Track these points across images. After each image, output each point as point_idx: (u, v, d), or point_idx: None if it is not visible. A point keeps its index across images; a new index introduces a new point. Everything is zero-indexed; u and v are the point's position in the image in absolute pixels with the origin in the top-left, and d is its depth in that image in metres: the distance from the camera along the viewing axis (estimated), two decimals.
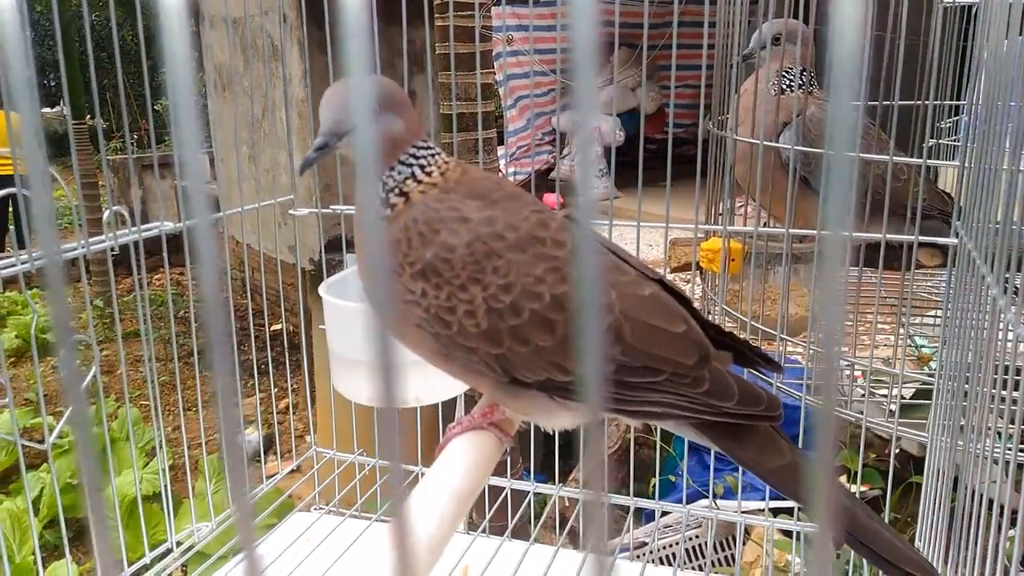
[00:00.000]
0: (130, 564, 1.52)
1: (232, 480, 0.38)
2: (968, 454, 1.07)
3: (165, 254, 1.69)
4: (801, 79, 1.80)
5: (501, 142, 7.55)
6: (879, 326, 1.86)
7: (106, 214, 1.34)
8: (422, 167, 1.03)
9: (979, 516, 1.06)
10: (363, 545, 1.51)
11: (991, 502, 1.05)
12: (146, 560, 1.54)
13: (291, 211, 1.72)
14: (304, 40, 1.79)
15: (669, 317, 1.00)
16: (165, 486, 1.70)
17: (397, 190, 1.02)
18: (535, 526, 1.66)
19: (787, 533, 2.01)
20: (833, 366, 0.33)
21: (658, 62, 7.69)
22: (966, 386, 1.09)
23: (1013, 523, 1.03)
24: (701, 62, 1.63)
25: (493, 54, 7.00)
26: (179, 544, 1.61)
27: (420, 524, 0.88)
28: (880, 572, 1.03)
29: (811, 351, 1.68)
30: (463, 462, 1.00)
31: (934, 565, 1.11)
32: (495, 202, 1.02)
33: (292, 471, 2.14)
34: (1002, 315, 0.85)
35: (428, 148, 1.05)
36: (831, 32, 0.29)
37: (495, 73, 7.22)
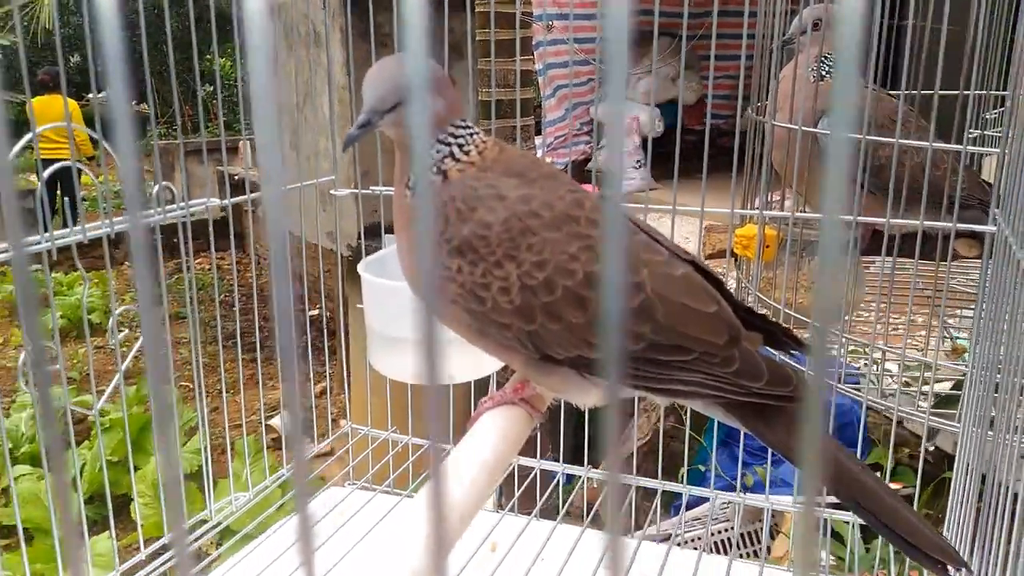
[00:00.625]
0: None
1: (290, 446, 0.40)
2: (996, 447, 1.07)
3: (210, 236, 1.73)
4: None
5: (539, 132, 7.54)
6: (913, 318, 1.84)
7: (155, 188, 1.38)
8: (460, 146, 1.05)
9: (1005, 510, 1.05)
10: (395, 519, 1.54)
11: (1016, 496, 1.04)
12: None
13: (332, 191, 1.75)
14: (347, 27, 1.82)
15: (700, 297, 1.01)
16: (206, 459, 1.76)
17: (435, 168, 1.03)
18: (563, 508, 1.68)
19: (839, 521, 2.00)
20: (825, 341, 0.34)
21: (698, 52, 7.62)
22: (998, 377, 1.08)
23: None
24: (741, 52, 1.62)
25: (533, 43, 6.99)
26: (210, 519, 1.66)
27: (450, 493, 0.90)
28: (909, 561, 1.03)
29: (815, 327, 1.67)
30: (493, 435, 1.03)
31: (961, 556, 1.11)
32: (532, 181, 1.03)
33: (324, 453, 2.19)
34: None
35: (467, 127, 1.06)
36: (836, 14, 0.30)
37: (534, 61, 7.21)
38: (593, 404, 1.10)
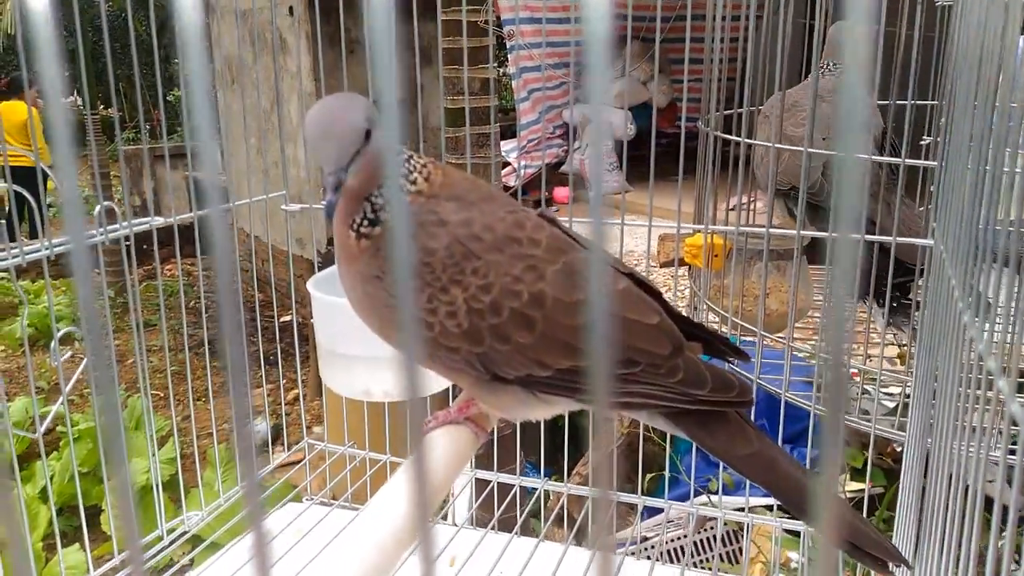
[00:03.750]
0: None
1: (242, 465, 0.38)
2: (933, 453, 1.09)
3: (176, 243, 1.72)
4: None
5: (513, 135, 7.55)
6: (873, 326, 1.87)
7: (97, 209, 1.37)
8: (406, 176, 1.04)
9: (945, 511, 1.08)
10: (348, 534, 1.54)
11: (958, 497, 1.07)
12: (159, 533, 1.58)
13: (283, 207, 1.75)
14: (316, 33, 1.81)
15: (643, 309, 1.03)
16: (170, 475, 1.74)
17: (387, 207, 1.01)
18: (544, 523, 1.69)
19: (790, 530, 2.03)
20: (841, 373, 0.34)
21: (669, 56, 7.66)
22: (935, 385, 1.10)
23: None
24: (713, 56, 1.63)
25: (508, 47, 7.00)
26: (172, 531, 1.65)
27: (388, 516, 0.90)
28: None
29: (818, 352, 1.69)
30: (437, 456, 1.03)
31: (903, 554, 1.13)
32: (472, 204, 1.04)
33: (294, 461, 2.18)
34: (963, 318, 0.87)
35: (407, 155, 1.06)
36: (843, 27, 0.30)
37: (509, 66, 7.22)
38: (539, 418, 1.11)
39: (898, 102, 1.62)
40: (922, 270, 1.52)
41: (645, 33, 7.25)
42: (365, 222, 1.02)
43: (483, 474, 1.83)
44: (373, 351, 1.36)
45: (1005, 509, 1.06)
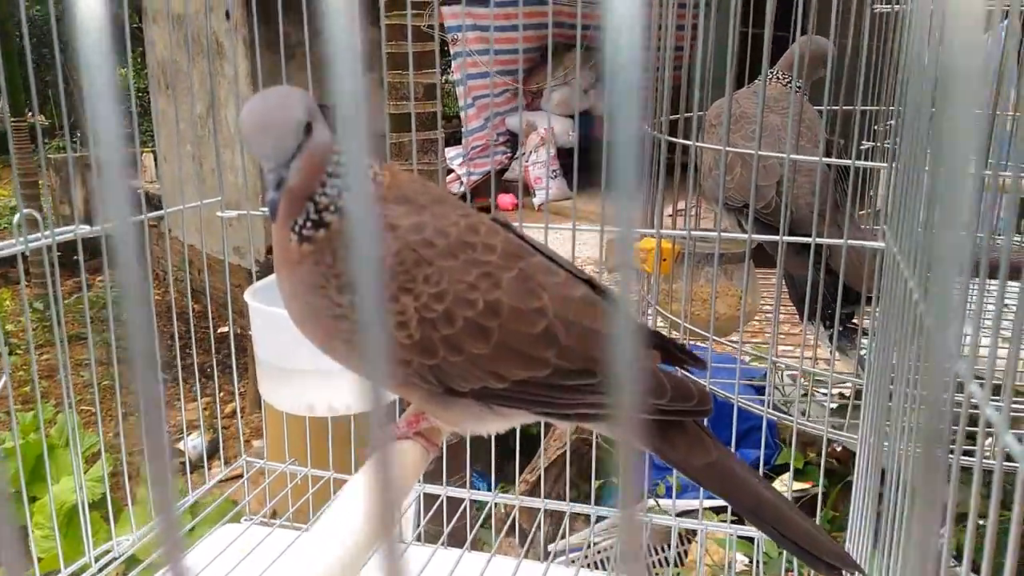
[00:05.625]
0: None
1: (156, 492, 0.34)
2: (890, 454, 1.09)
3: (103, 254, 1.63)
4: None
5: (457, 142, 7.52)
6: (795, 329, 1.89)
7: (16, 217, 1.29)
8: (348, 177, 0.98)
9: (898, 512, 1.08)
10: (292, 556, 1.48)
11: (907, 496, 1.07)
12: (87, 559, 1.50)
13: (218, 213, 1.68)
14: (255, 38, 1.75)
15: (601, 318, 0.99)
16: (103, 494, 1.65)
17: (332, 207, 0.95)
18: (471, 534, 1.65)
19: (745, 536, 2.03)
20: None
21: None
22: (890, 387, 1.10)
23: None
24: (661, 64, 1.64)
25: (452, 53, 6.96)
26: (107, 554, 1.57)
27: (337, 537, 0.86)
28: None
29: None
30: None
31: (858, 562, 1.13)
32: (423, 207, 0.99)
33: (233, 477, 2.10)
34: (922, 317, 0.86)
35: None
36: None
37: (452, 72, 7.18)
38: (493, 432, 1.07)
39: (845, 107, 1.64)
40: (868, 298, 1.54)
41: (590, 42, 7.30)
42: (308, 224, 0.96)
43: (432, 488, 1.78)
44: (317, 364, 1.30)
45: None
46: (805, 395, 1.79)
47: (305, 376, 1.35)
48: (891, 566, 1.07)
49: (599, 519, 1.66)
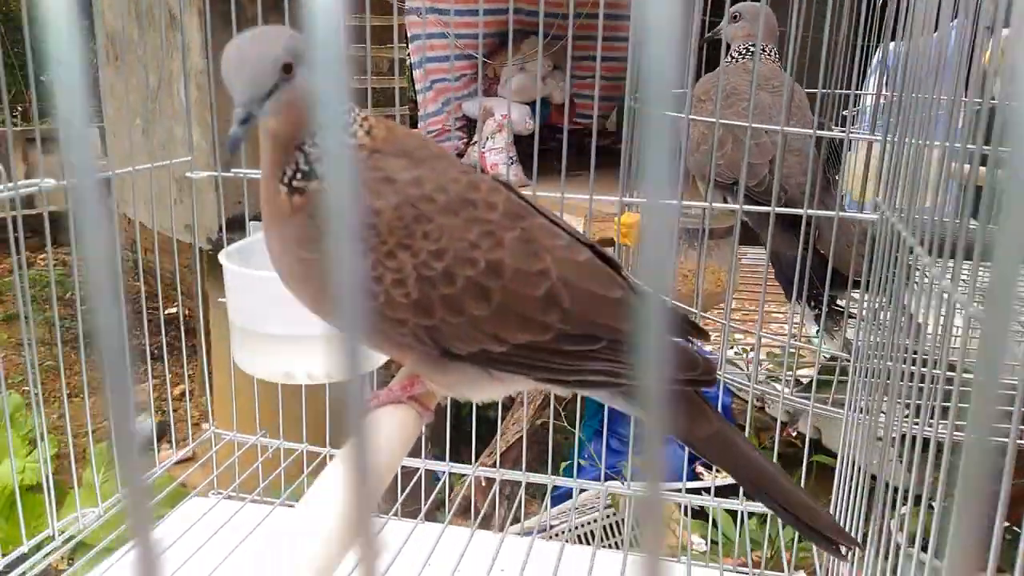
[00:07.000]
0: (5, 555, 1.39)
1: (122, 464, 0.32)
2: (885, 438, 1.10)
3: (46, 228, 1.55)
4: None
5: (414, 125, 7.41)
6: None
7: None
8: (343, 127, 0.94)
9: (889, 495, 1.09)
10: (267, 530, 1.42)
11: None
12: (24, 549, 1.41)
13: (188, 174, 1.60)
14: (205, 10, 1.67)
15: (605, 283, 0.96)
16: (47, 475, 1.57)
17: (323, 159, 0.91)
18: (449, 508, 1.61)
19: (698, 512, 2.04)
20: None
21: (575, 53, 7.71)
22: (881, 364, 1.11)
23: (907, 501, 1.07)
24: (624, 54, 1.64)
25: (409, 36, 6.85)
26: (62, 533, 1.48)
27: (332, 506, 0.81)
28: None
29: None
30: (380, 438, 0.94)
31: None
32: (421, 161, 0.95)
33: (186, 459, 2.02)
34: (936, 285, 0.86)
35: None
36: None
37: (410, 55, 7.08)
38: (489, 399, 1.04)
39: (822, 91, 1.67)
40: (856, 281, 1.54)
41: (556, 31, 7.29)
42: (298, 175, 0.91)
43: (409, 461, 1.73)
44: (296, 329, 1.25)
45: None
46: (790, 369, 1.79)
47: (283, 342, 1.29)
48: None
49: (582, 491, 1.64)
